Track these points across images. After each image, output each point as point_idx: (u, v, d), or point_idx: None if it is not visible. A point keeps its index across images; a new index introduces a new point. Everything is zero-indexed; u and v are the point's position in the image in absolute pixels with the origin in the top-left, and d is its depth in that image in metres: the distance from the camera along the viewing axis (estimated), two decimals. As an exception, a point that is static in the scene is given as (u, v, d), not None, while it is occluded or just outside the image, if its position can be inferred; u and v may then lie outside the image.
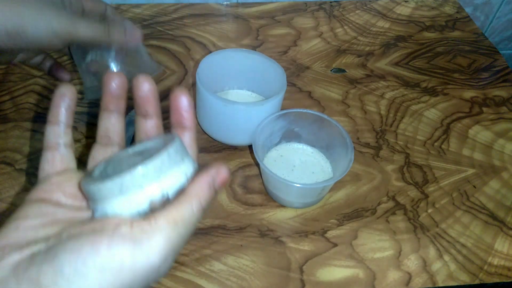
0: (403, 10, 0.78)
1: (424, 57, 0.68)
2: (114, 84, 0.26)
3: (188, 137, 0.26)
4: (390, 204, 0.48)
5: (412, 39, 0.71)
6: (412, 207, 0.48)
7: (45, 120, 0.26)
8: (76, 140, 0.52)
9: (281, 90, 0.48)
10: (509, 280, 0.43)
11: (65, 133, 0.26)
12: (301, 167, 0.49)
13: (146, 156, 0.23)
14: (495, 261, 0.44)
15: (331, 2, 0.78)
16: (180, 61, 0.64)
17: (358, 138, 0.55)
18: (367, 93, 0.61)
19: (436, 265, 0.43)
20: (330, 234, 0.45)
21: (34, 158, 0.50)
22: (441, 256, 0.44)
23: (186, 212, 0.21)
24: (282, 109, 0.49)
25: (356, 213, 0.47)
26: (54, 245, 0.20)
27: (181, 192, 0.22)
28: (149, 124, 0.27)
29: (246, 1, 0.76)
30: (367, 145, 0.54)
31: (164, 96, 0.58)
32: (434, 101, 0.61)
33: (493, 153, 0.55)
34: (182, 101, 0.25)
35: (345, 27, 0.73)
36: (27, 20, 0.32)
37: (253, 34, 0.70)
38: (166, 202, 0.22)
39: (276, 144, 0.51)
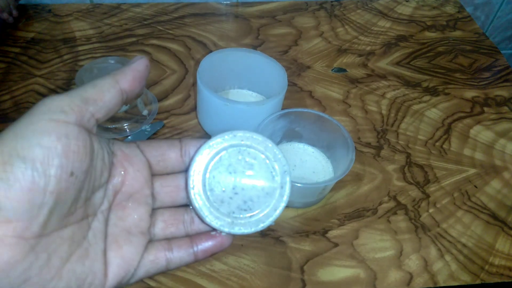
0: (404, 9, 0.77)
1: (425, 56, 0.68)
2: None
3: None
4: (391, 204, 0.48)
5: (413, 39, 0.71)
6: (413, 207, 0.48)
7: None
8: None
9: (282, 89, 0.48)
10: (510, 280, 0.43)
11: None
12: (302, 167, 0.49)
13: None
14: (496, 261, 0.44)
15: (332, 1, 0.78)
16: (181, 60, 0.64)
17: (359, 138, 0.55)
18: (368, 93, 0.61)
19: (437, 265, 0.43)
20: (331, 234, 0.45)
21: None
22: (442, 256, 0.44)
23: None
24: (283, 108, 0.49)
25: (357, 213, 0.47)
26: None
27: None
28: None
29: (247, 0, 0.76)
30: (368, 144, 0.54)
31: (165, 96, 0.58)
32: (435, 100, 0.61)
33: (494, 153, 0.55)
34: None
35: (346, 26, 0.73)
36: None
37: (254, 34, 0.70)
38: None
39: (277, 144, 0.51)
